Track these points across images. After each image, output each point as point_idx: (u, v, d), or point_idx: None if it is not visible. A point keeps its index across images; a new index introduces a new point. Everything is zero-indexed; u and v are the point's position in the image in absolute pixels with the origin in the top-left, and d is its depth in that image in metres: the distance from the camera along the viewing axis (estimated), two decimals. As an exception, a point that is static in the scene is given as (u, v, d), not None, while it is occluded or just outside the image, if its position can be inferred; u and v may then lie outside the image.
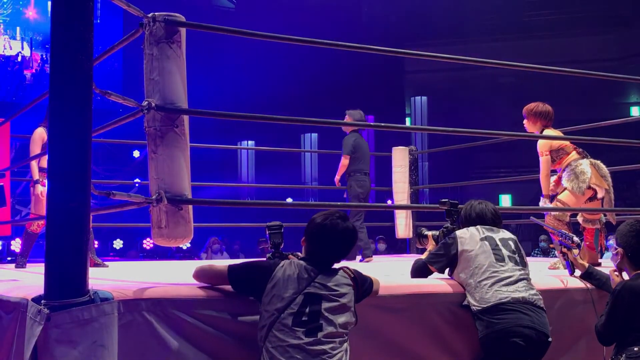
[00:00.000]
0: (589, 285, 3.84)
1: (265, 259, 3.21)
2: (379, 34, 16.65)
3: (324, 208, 3.61)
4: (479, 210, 3.73)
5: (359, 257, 6.58)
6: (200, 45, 12.97)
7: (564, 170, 5.08)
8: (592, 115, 11.29)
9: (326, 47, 4.15)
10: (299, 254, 3.10)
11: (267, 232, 3.25)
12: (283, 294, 2.82)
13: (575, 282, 3.88)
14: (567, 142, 5.14)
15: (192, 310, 2.90)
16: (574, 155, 5.08)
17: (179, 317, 2.87)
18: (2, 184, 5.69)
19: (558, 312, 3.69)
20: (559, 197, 5.07)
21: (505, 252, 3.50)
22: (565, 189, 5.04)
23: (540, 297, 3.44)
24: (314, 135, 17.78)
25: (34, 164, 5.57)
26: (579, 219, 5.29)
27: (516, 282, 3.40)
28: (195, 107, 3.36)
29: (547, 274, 4.34)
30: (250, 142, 16.59)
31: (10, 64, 16.01)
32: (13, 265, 5.89)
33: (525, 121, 5.29)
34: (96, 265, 5.43)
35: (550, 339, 3.36)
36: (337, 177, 6.81)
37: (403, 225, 7.58)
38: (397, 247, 11.61)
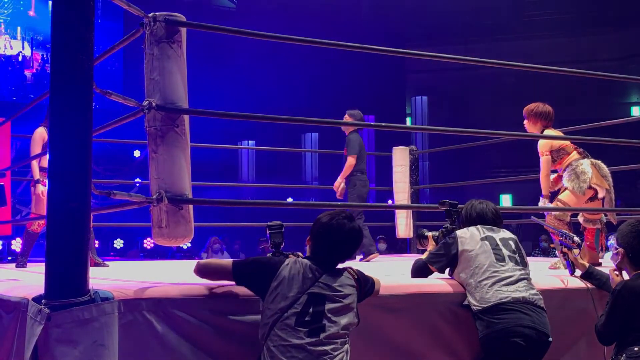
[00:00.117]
0: (589, 285, 3.84)
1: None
2: (379, 34, 16.64)
3: (325, 208, 3.61)
4: (479, 210, 3.73)
5: (359, 257, 6.59)
6: (201, 45, 12.98)
7: (564, 170, 5.08)
8: (593, 115, 11.29)
9: (327, 47, 4.15)
10: (300, 253, 3.10)
11: (268, 232, 3.25)
12: (287, 293, 2.82)
13: (575, 282, 3.88)
14: (568, 142, 5.14)
15: (192, 310, 2.90)
16: (574, 155, 5.08)
17: (179, 316, 2.87)
18: (2, 183, 5.69)
19: (558, 312, 3.69)
20: (559, 197, 5.07)
21: (505, 252, 3.50)
22: (565, 188, 5.04)
23: (541, 296, 3.44)
24: (315, 135, 17.78)
25: (34, 163, 5.57)
26: (580, 218, 5.29)
27: (516, 282, 3.40)
28: (196, 107, 3.36)
29: (548, 273, 4.34)
30: (250, 142, 16.59)
31: (10, 64, 16.01)
32: (14, 264, 5.90)
33: (525, 122, 5.29)
34: (97, 264, 5.43)
35: (550, 339, 3.35)
36: (342, 179, 6.75)
37: (403, 225, 7.58)
38: (398, 247, 11.61)
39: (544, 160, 5.09)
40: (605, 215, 5.22)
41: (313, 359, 2.76)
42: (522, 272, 3.47)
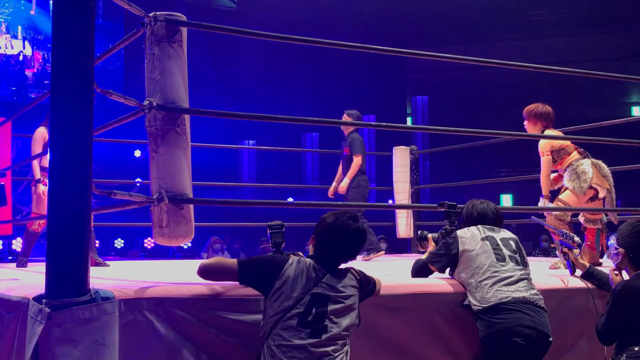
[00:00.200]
0: (589, 285, 3.84)
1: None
2: (380, 34, 16.64)
3: (325, 208, 3.61)
4: (480, 210, 3.73)
5: (359, 256, 6.60)
6: (202, 45, 12.98)
7: (565, 170, 5.08)
8: (593, 115, 11.29)
9: (327, 46, 4.15)
10: (300, 253, 3.10)
11: (269, 232, 3.25)
12: (291, 293, 2.82)
13: (576, 282, 3.88)
14: (568, 142, 5.14)
15: (193, 309, 2.90)
16: (575, 155, 5.08)
17: (179, 316, 2.88)
18: (3, 183, 5.69)
19: (559, 312, 3.69)
20: (560, 196, 5.07)
21: (506, 252, 3.50)
22: (566, 188, 5.04)
23: (541, 296, 3.44)
24: (315, 135, 17.78)
25: (35, 163, 5.57)
26: (581, 218, 5.29)
27: (517, 281, 3.40)
28: (196, 107, 3.36)
29: (548, 273, 4.34)
30: (251, 141, 16.59)
31: (11, 63, 16.00)
32: (14, 264, 5.90)
33: (525, 122, 5.29)
34: (97, 264, 5.43)
35: (551, 339, 3.36)
36: (349, 179, 6.76)
37: (404, 225, 7.59)
38: (398, 246, 11.60)
39: (545, 160, 5.09)
40: (606, 215, 5.22)
41: None
42: (523, 272, 3.47)
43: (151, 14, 3.17)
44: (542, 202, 5.11)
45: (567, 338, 3.74)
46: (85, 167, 2.62)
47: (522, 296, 3.35)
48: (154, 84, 3.14)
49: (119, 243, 14.58)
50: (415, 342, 3.40)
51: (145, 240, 14.14)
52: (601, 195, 5.06)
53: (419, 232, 4.11)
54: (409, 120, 19.62)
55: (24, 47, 16.07)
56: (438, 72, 18.60)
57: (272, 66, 16.52)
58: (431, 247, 3.96)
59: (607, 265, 4.27)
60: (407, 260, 5.39)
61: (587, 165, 5.00)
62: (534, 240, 13.54)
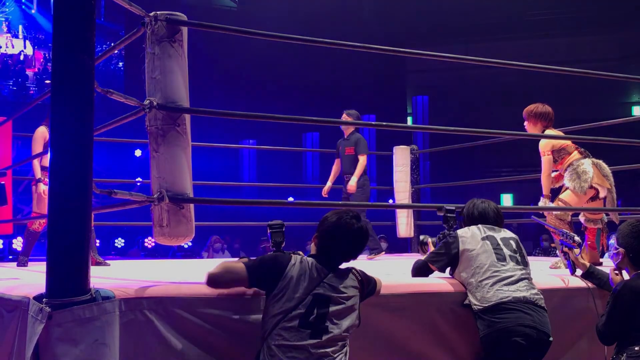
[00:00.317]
0: (590, 284, 3.84)
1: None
2: (380, 33, 16.64)
3: (325, 207, 3.61)
4: (481, 209, 3.73)
5: (363, 256, 6.62)
6: (202, 45, 12.98)
7: (565, 170, 5.08)
8: (594, 115, 11.28)
9: (328, 46, 4.15)
10: (300, 252, 3.10)
11: (269, 231, 3.24)
12: (294, 294, 2.82)
13: (576, 282, 3.88)
14: (569, 142, 5.14)
15: (193, 308, 2.90)
16: (575, 155, 5.08)
17: (180, 315, 2.88)
18: (3, 182, 5.69)
19: (559, 312, 3.69)
20: (560, 196, 5.07)
21: (506, 252, 3.50)
22: (567, 188, 5.04)
23: (542, 296, 3.44)
24: (316, 135, 17.77)
25: (35, 162, 5.57)
26: (581, 218, 5.29)
27: (517, 281, 3.40)
28: (197, 107, 3.36)
29: (548, 273, 4.34)
30: (251, 141, 16.58)
31: (12, 63, 16.00)
32: (15, 263, 5.90)
33: (525, 123, 5.29)
34: (98, 263, 5.43)
35: (551, 339, 3.36)
36: (357, 178, 6.79)
37: (404, 225, 7.60)
38: (398, 246, 11.60)
39: (546, 160, 5.09)
40: (607, 215, 5.22)
41: None
42: (523, 271, 3.47)
43: (152, 14, 3.17)
44: (543, 202, 5.11)
45: (567, 337, 3.74)
46: (86, 166, 2.62)
47: (522, 296, 3.35)
48: (154, 83, 3.15)
49: (119, 242, 14.58)
50: (415, 342, 3.40)
51: (146, 240, 14.14)
52: (602, 194, 5.06)
53: (420, 237, 4.10)
54: (409, 119, 19.62)
55: (24, 47, 16.07)
56: (438, 71, 18.60)
57: (273, 66, 16.51)
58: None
59: (607, 265, 4.27)
60: (408, 260, 5.39)
61: (587, 165, 4.99)
62: (534, 239, 13.53)
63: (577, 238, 3.90)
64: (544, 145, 5.10)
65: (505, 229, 3.68)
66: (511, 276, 3.41)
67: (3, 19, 15.83)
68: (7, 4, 15.81)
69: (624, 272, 3.55)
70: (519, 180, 12.93)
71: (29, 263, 5.61)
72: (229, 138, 13.02)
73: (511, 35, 18.28)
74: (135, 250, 14.31)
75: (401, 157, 7.76)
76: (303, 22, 15.73)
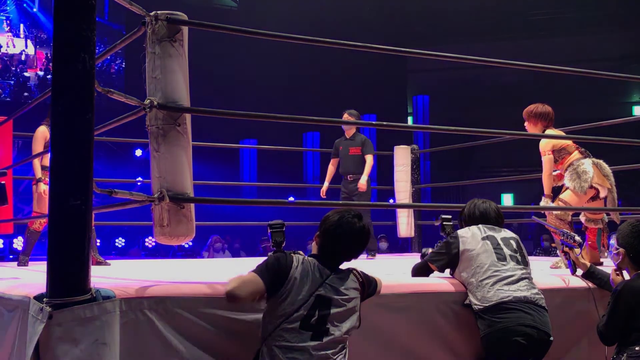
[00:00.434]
0: (590, 284, 3.84)
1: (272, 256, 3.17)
2: (380, 33, 16.64)
3: (326, 207, 3.61)
4: (483, 209, 3.73)
5: (362, 256, 6.62)
6: (203, 44, 12.96)
7: (566, 169, 5.08)
8: (594, 115, 11.29)
9: (328, 46, 4.15)
10: (301, 252, 3.10)
11: (269, 231, 3.24)
12: (296, 296, 2.82)
13: (576, 282, 3.88)
14: (569, 142, 5.14)
15: (193, 308, 2.90)
16: (576, 154, 5.07)
17: (180, 315, 2.88)
18: (4, 182, 5.69)
19: (560, 311, 3.69)
20: (561, 196, 5.07)
21: (506, 252, 3.50)
22: (567, 188, 5.04)
23: (542, 296, 3.44)
24: (316, 134, 17.77)
25: (36, 162, 5.57)
26: (582, 218, 5.29)
27: (518, 281, 3.40)
28: (197, 106, 3.36)
29: (549, 273, 4.34)
30: (252, 140, 16.58)
31: (13, 63, 15.99)
32: (15, 263, 5.90)
33: (526, 123, 5.29)
34: (98, 263, 5.43)
35: (551, 338, 3.36)
36: (367, 178, 6.83)
37: (405, 224, 7.60)
38: (399, 246, 11.61)
39: (546, 159, 5.09)
40: (608, 214, 5.22)
41: None
42: (523, 271, 3.47)
43: (152, 13, 3.16)
44: (544, 201, 5.10)
45: (567, 337, 3.74)
46: (86, 166, 2.62)
47: (523, 295, 3.35)
48: (155, 83, 3.14)
49: (120, 242, 14.58)
50: (416, 341, 3.40)
51: (146, 239, 14.14)
52: (602, 194, 5.06)
53: (422, 250, 4.09)
54: (409, 119, 19.63)
55: (26, 46, 16.04)
56: (439, 71, 18.61)
57: (273, 66, 16.52)
58: None
59: (608, 265, 4.27)
60: (408, 260, 5.39)
61: (587, 164, 4.99)
62: (535, 239, 13.54)
63: (577, 238, 3.90)
64: (545, 145, 5.10)
65: (505, 229, 3.68)
66: (511, 276, 3.41)
67: (4, 18, 15.81)
68: (8, 2, 15.78)
69: (624, 272, 3.55)
70: (519, 180, 12.94)
71: (30, 263, 5.62)
72: (230, 138, 13.02)
73: (511, 35, 18.29)
74: (135, 250, 14.31)
75: (402, 157, 7.77)
76: (303, 22, 15.72)
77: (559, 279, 3.90)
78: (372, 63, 16.31)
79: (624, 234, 3.44)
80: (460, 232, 3.62)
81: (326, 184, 7.29)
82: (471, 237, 3.55)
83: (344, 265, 3.03)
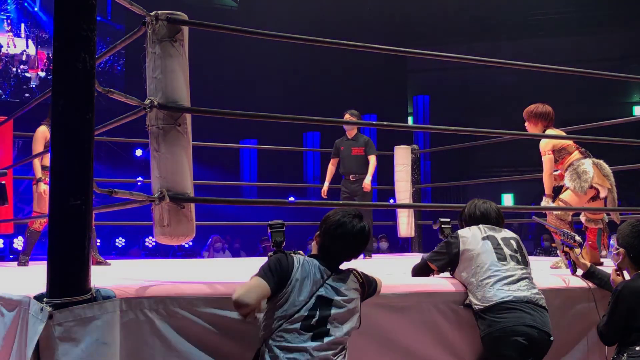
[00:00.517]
0: (590, 284, 3.84)
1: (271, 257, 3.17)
2: (380, 33, 16.64)
3: (326, 207, 3.61)
4: (483, 210, 3.73)
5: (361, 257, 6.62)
6: (203, 44, 12.96)
7: (566, 169, 5.08)
8: (595, 115, 11.30)
9: (328, 46, 4.15)
10: (301, 252, 3.10)
11: (269, 231, 3.24)
12: (298, 297, 2.82)
13: (577, 282, 3.88)
14: (570, 142, 5.13)
15: (194, 308, 2.90)
16: (576, 154, 5.07)
17: (180, 315, 2.88)
18: (4, 182, 5.69)
19: (560, 311, 3.69)
20: (561, 196, 5.07)
21: (507, 252, 3.50)
22: (567, 188, 5.04)
23: (542, 296, 3.44)
24: (316, 134, 17.78)
25: (36, 162, 5.57)
26: (582, 218, 5.29)
27: (518, 281, 3.40)
28: (198, 106, 3.36)
29: (549, 273, 4.34)
30: (252, 140, 16.58)
31: (14, 63, 15.98)
32: (15, 263, 5.90)
33: (526, 124, 5.28)
34: (98, 263, 5.44)
35: (552, 338, 3.36)
36: (371, 178, 6.87)
37: (405, 224, 7.60)
38: (399, 245, 11.62)
39: (547, 159, 5.09)
40: (608, 214, 5.22)
41: None
42: (524, 271, 3.47)
43: (153, 13, 3.16)
44: (545, 201, 5.10)
45: (568, 337, 3.74)
46: (87, 166, 2.62)
47: (523, 295, 3.35)
48: (155, 83, 3.14)
49: (120, 242, 14.59)
50: (416, 341, 3.40)
51: (147, 239, 14.15)
52: (602, 194, 5.05)
53: (423, 256, 4.08)
54: (410, 119, 19.63)
55: (27, 46, 16.02)
56: (439, 71, 18.62)
57: (273, 65, 16.52)
58: None
59: (608, 265, 4.27)
60: (409, 259, 5.40)
61: (588, 165, 4.99)
62: (535, 239, 13.54)
63: (577, 238, 3.90)
64: (545, 145, 5.10)
65: (506, 229, 3.68)
66: (512, 276, 3.41)
67: (4, 17, 15.79)
68: (9, 1, 15.76)
69: (625, 272, 3.55)
70: (519, 180, 12.94)
71: (30, 262, 5.62)
72: (230, 137, 13.02)
73: (511, 35, 18.30)
74: (136, 250, 14.32)
75: (402, 157, 7.77)
76: (303, 22, 15.72)
77: (559, 279, 3.90)
78: (372, 63, 16.32)
79: (624, 234, 3.44)
80: (460, 232, 3.62)
81: (327, 184, 7.30)
82: (472, 237, 3.55)
83: (344, 266, 3.03)
